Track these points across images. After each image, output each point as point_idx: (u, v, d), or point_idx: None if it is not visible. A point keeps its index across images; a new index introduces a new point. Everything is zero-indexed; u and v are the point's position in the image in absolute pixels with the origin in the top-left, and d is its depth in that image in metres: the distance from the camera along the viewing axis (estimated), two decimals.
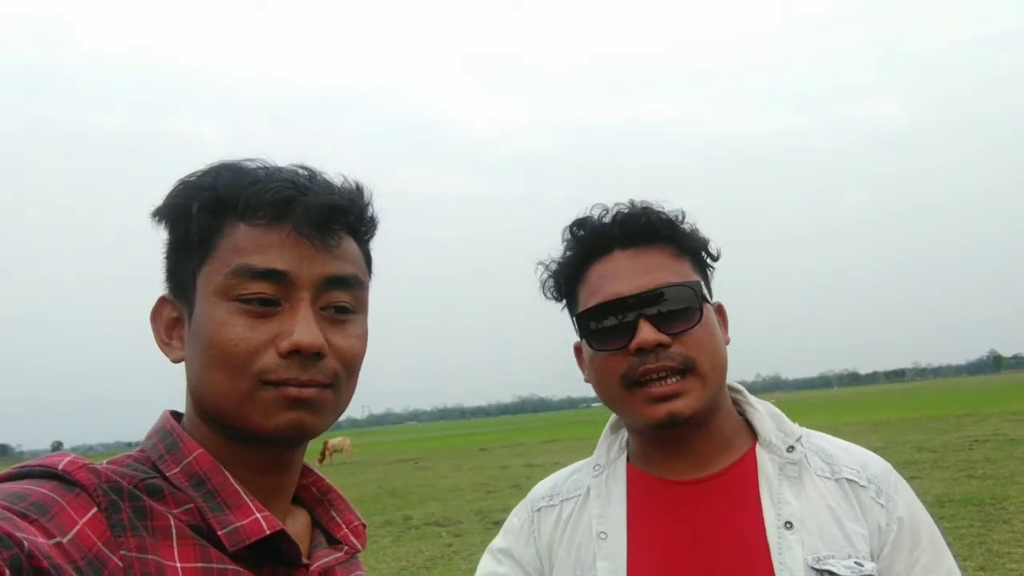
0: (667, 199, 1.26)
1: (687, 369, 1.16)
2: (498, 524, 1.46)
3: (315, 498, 0.97)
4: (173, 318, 0.88)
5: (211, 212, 0.83)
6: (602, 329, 1.20)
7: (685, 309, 1.17)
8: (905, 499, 1.20)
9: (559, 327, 1.31)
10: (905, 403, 38.55)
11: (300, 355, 0.81)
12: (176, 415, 0.90)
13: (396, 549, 9.16)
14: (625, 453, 1.31)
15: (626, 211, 1.24)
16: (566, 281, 1.28)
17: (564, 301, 1.30)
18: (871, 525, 1.15)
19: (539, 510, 1.32)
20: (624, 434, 1.33)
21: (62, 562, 0.65)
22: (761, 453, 1.22)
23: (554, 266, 1.29)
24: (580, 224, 1.27)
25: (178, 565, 0.74)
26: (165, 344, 0.88)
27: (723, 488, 1.20)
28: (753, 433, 1.26)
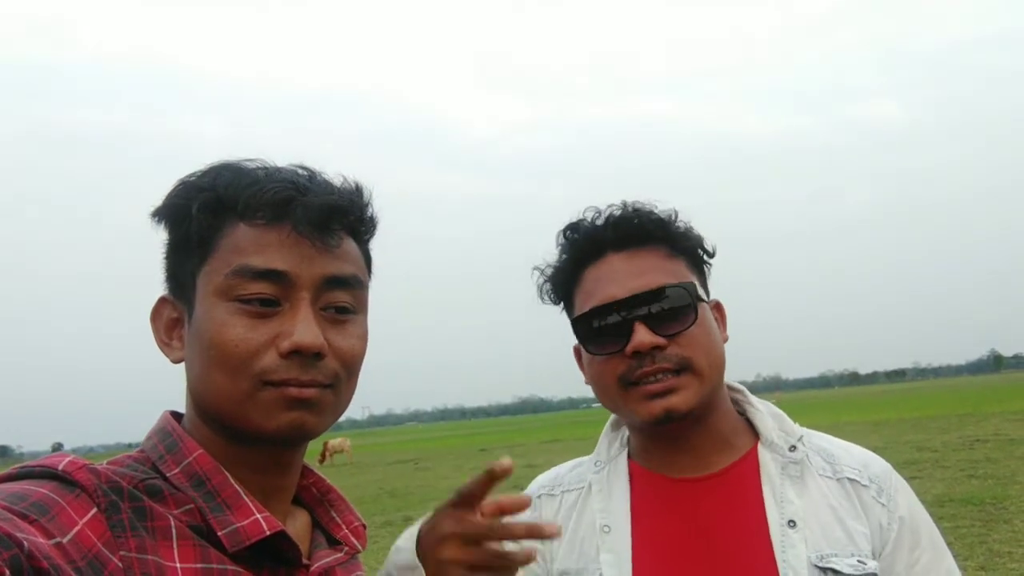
0: (662, 199, 1.27)
1: (683, 369, 1.16)
2: None
3: (315, 498, 0.97)
4: (173, 318, 0.88)
5: (211, 212, 0.83)
6: (598, 333, 1.21)
7: (680, 310, 1.18)
8: (906, 499, 1.21)
9: (559, 328, 1.32)
10: (905, 403, 38.55)
11: (300, 355, 0.81)
12: (176, 415, 0.90)
13: None
14: (626, 450, 1.31)
15: (618, 213, 1.25)
16: (562, 285, 1.29)
17: (562, 304, 1.31)
18: (872, 524, 1.16)
19: (539, 497, 1.33)
20: (625, 432, 1.34)
21: (62, 562, 0.65)
22: (763, 452, 1.22)
23: (549, 270, 1.30)
24: (573, 228, 1.27)
25: (178, 566, 0.74)
26: (165, 344, 0.88)
27: (725, 486, 1.21)
28: (754, 433, 1.26)
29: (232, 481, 0.83)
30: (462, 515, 0.89)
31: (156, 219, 0.87)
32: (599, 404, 1.29)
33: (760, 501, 1.18)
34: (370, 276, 0.93)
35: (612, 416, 1.34)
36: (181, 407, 0.90)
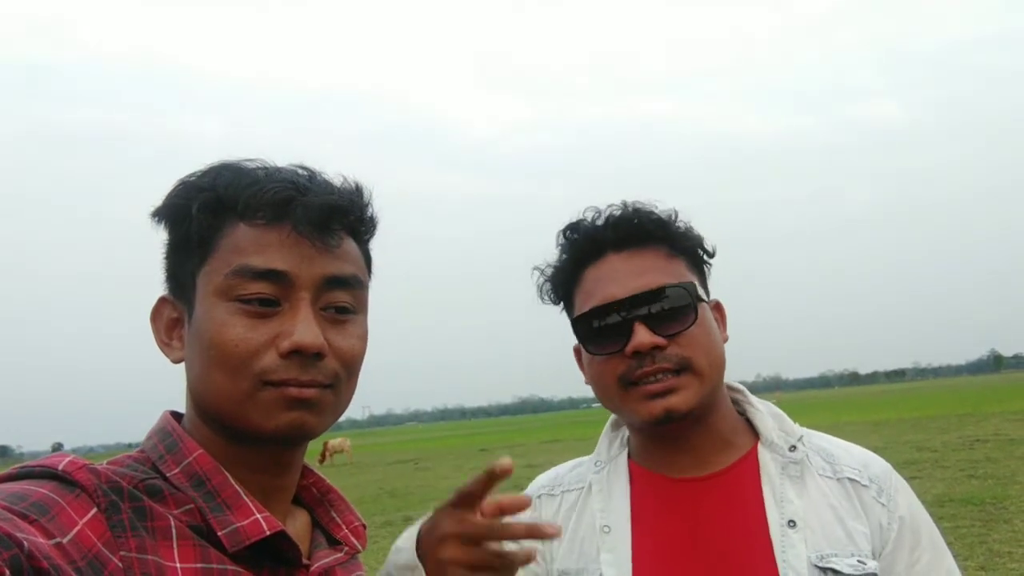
0: (662, 199, 1.27)
1: (683, 369, 1.16)
2: None
3: (315, 498, 0.97)
4: (173, 318, 0.88)
5: (211, 212, 0.83)
6: (598, 333, 1.21)
7: (680, 310, 1.18)
8: (906, 499, 1.21)
9: (559, 327, 1.31)
10: (905, 403, 38.55)
11: (301, 355, 0.81)
12: (176, 415, 0.90)
13: None
14: (626, 450, 1.31)
15: (618, 213, 1.25)
16: (562, 285, 1.29)
17: (562, 304, 1.31)
18: (872, 524, 1.16)
19: (539, 497, 1.33)
20: (625, 432, 1.34)
21: (62, 562, 0.65)
22: (763, 452, 1.22)
23: (549, 271, 1.30)
24: (573, 228, 1.27)
25: (178, 566, 0.74)
26: (165, 344, 0.88)
27: (725, 486, 1.21)
28: (754, 433, 1.26)
29: (232, 481, 0.83)
30: (462, 515, 0.89)
31: (156, 219, 0.87)
32: (599, 404, 1.30)
33: (760, 501, 1.18)
34: (370, 276, 0.93)
35: (612, 416, 1.34)
36: (181, 407, 0.90)
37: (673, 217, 1.25)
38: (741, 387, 1.32)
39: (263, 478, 0.87)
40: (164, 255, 0.89)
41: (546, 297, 1.31)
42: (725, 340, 1.25)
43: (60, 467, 0.74)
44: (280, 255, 0.82)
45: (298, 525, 0.92)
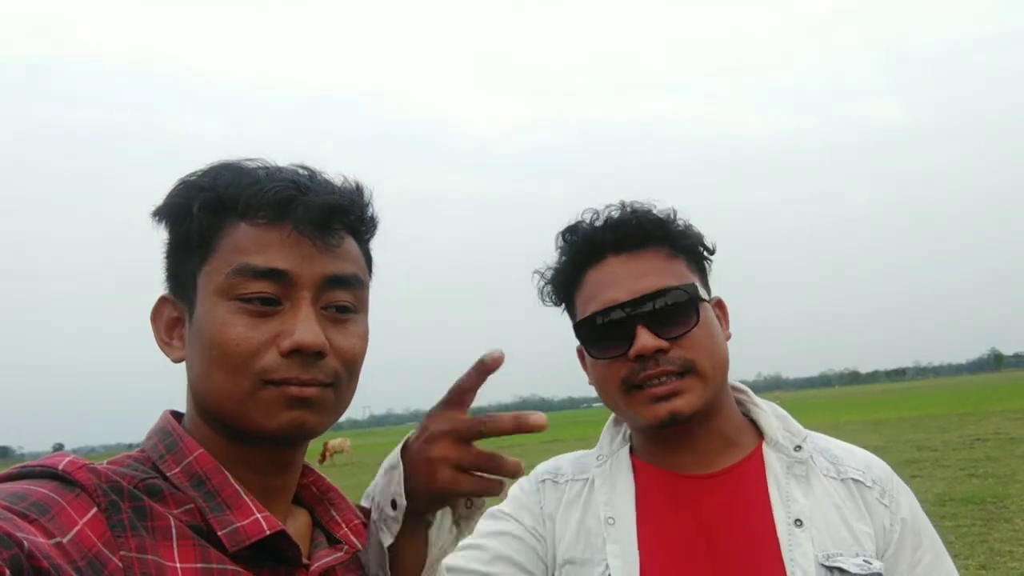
0: (661, 199, 1.26)
1: (687, 371, 1.16)
2: None
3: (315, 497, 0.97)
4: (174, 318, 0.88)
5: (211, 212, 0.83)
6: (600, 337, 1.20)
7: (682, 312, 1.17)
8: (907, 500, 1.22)
9: (559, 327, 1.30)
10: (906, 402, 38.54)
11: (301, 354, 0.81)
12: (176, 415, 0.90)
13: None
14: (628, 445, 1.31)
15: (616, 215, 1.24)
16: (562, 287, 1.28)
17: (563, 305, 1.30)
18: (876, 525, 1.17)
19: (543, 482, 1.32)
20: (626, 428, 1.33)
21: (62, 562, 0.65)
22: (768, 452, 1.23)
23: (550, 273, 1.30)
24: (572, 230, 1.27)
25: (178, 565, 0.74)
26: (166, 344, 0.88)
27: (730, 484, 1.21)
28: (758, 432, 1.26)
29: (232, 481, 0.83)
30: (453, 414, 0.89)
31: (156, 219, 0.87)
32: (600, 404, 1.29)
33: (766, 500, 1.18)
34: (371, 276, 0.93)
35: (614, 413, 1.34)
36: (181, 407, 0.90)
37: (672, 217, 1.25)
38: (745, 387, 1.32)
39: (263, 478, 0.86)
40: (164, 255, 0.89)
41: (547, 299, 1.31)
42: (728, 338, 1.25)
43: (60, 467, 0.74)
44: (281, 254, 0.82)
45: (298, 524, 0.92)
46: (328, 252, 0.84)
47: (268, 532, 0.80)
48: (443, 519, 0.96)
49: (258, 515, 0.81)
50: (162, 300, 0.89)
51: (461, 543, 1.03)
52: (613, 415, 1.34)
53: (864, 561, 1.12)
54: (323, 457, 28.94)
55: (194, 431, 0.86)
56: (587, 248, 1.24)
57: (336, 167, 0.90)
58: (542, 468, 1.36)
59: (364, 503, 1.00)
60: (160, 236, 0.88)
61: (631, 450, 1.30)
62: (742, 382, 1.33)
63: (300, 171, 0.88)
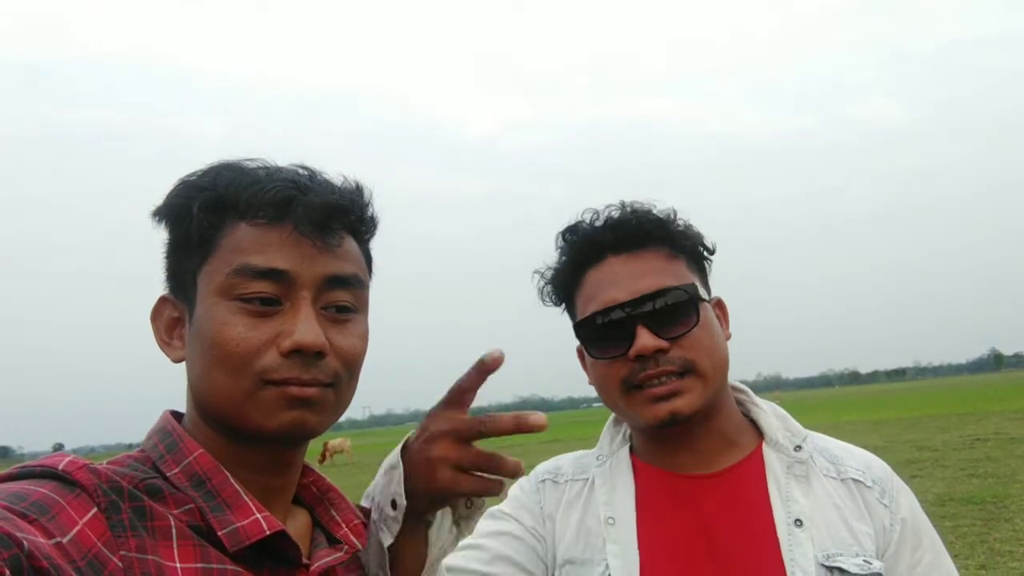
0: (660, 199, 1.26)
1: (687, 371, 1.16)
2: None
3: (315, 497, 0.97)
4: (174, 318, 0.88)
5: (212, 212, 0.83)
6: (600, 337, 1.20)
7: (682, 312, 1.18)
8: (907, 500, 1.22)
9: (559, 327, 1.31)
10: (906, 402, 38.54)
11: (302, 354, 0.81)
12: (176, 415, 0.90)
13: None
14: (628, 445, 1.31)
15: (616, 215, 1.24)
16: (562, 287, 1.28)
17: (563, 305, 1.31)
18: (876, 525, 1.17)
19: (543, 482, 1.33)
20: (627, 427, 1.34)
21: (62, 562, 0.65)
22: (768, 452, 1.23)
23: (550, 273, 1.30)
24: (572, 230, 1.27)
25: (178, 566, 0.74)
26: (166, 344, 0.88)
27: (730, 484, 1.21)
28: (759, 432, 1.26)
29: (232, 481, 0.83)
30: (453, 414, 0.89)
31: (157, 218, 0.87)
32: (600, 404, 1.29)
33: (766, 500, 1.18)
34: (371, 276, 0.93)
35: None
36: (181, 407, 0.89)
37: (672, 216, 1.25)
38: (745, 388, 1.32)
39: (263, 478, 0.86)
40: (165, 254, 0.89)
41: (547, 299, 1.31)
42: (728, 338, 1.25)
43: (60, 467, 0.74)
44: (281, 254, 0.82)
45: (298, 524, 0.92)
46: (328, 252, 0.84)
47: (268, 532, 0.80)
48: (443, 519, 0.96)
49: (258, 515, 0.81)
50: (162, 300, 0.89)
51: (461, 543, 1.03)
52: (613, 415, 1.34)
53: (864, 561, 1.12)
54: (323, 457, 28.94)
55: (194, 431, 0.86)
56: (587, 248, 1.24)
57: (336, 167, 0.90)
58: (542, 468, 1.36)
59: (364, 503, 1.00)
60: (160, 236, 0.88)
61: (631, 450, 1.31)
62: (742, 382, 1.33)
63: (300, 171, 0.88)
